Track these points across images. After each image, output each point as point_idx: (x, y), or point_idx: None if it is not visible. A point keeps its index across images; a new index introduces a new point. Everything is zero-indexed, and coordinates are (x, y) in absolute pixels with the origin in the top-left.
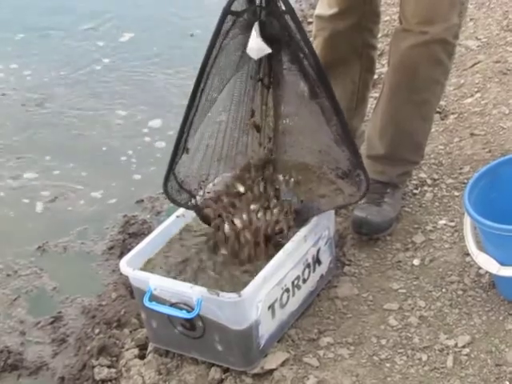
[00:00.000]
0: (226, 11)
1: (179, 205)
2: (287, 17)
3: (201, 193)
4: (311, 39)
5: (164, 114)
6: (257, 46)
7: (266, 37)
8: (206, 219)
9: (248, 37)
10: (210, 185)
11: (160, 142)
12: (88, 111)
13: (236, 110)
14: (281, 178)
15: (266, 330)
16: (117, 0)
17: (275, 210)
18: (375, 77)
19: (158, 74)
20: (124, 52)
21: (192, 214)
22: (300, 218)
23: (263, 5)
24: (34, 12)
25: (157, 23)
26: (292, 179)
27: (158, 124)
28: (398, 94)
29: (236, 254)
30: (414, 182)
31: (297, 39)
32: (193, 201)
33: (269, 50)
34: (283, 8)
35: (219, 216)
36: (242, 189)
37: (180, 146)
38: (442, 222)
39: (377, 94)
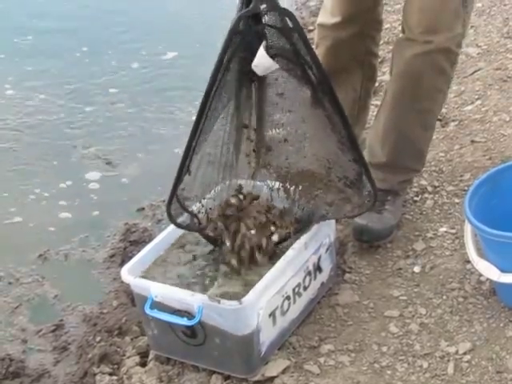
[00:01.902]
0: (234, 31)
1: (182, 227)
2: (295, 35)
3: (202, 210)
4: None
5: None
6: (265, 64)
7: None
8: (209, 239)
9: (247, 56)
10: (210, 199)
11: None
12: None
13: (232, 121)
14: (280, 185)
15: (267, 337)
16: None
17: (275, 221)
18: (376, 84)
19: None
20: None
21: None
22: (301, 225)
23: (270, 23)
24: None
25: None
26: (293, 187)
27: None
28: (401, 102)
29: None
30: (415, 189)
31: (303, 54)
32: (195, 221)
33: (276, 66)
34: (290, 26)
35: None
36: (234, 201)
37: (184, 169)
38: (443, 229)
39: (378, 102)
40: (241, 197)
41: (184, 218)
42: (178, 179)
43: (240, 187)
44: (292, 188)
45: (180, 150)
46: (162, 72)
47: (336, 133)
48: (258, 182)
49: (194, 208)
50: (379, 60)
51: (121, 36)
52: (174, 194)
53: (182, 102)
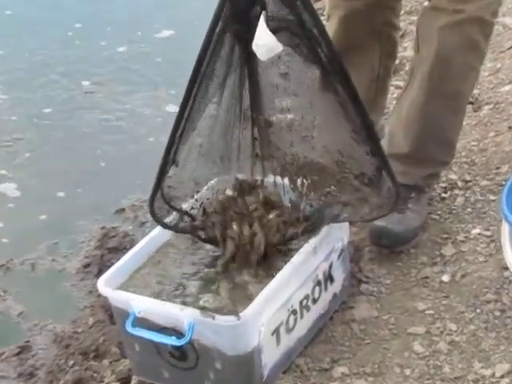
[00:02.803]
0: None
1: (170, 228)
2: (299, 3)
3: (196, 206)
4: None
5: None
6: (267, 43)
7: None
8: (204, 240)
9: (243, 29)
10: (204, 194)
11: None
12: None
13: (228, 109)
14: (286, 179)
15: (270, 358)
16: None
17: (279, 217)
18: (396, 62)
19: None
20: None
21: None
22: (310, 224)
23: None
24: None
25: None
26: (300, 179)
27: None
28: (427, 83)
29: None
30: (443, 184)
31: (310, 27)
32: (185, 220)
33: (280, 48)
34: None
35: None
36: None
37: (169, 160)
38: (476, 230)
39: (398, 83)
40: (237, 192)
41: (172, 218)
42: (163, 171)
43: (238, 181)
44: (299, 180)
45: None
46: (154, 52)
47: (349, 121)
48: (259, 177)
49: (184, 206)
50: (400, 33)
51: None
52: (159, 189)
53: (171, 86)
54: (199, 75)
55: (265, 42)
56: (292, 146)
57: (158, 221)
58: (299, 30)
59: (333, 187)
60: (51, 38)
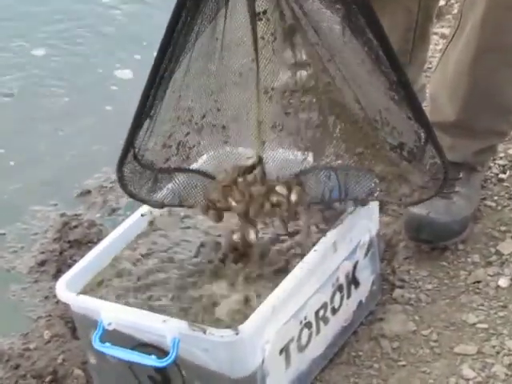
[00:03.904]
0: None
1: (141, 199)
2: None
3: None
4: None
5: None
6: None
7: None
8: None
9: None
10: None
11: None
12: None
13: (229, 57)
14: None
15: (278, 383)
16: None
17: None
18: (441, 2)
19: None
20: None
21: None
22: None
23: None
24: None
25: None
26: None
27: None
28: (480, 32)
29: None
30: (501, 161)
31: None
32: (169, 186)
33: None
34: None
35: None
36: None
37: (144, 112)
38: None
39: (443, 30)
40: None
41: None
42: (136, 126)
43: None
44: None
45: None
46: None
47: (380, 77)
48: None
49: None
50: None
51: None
52: (130, 147)
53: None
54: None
55: None
56: (308, 113)
57: (126, 190)
58: None
59: (366, 149)
60: None
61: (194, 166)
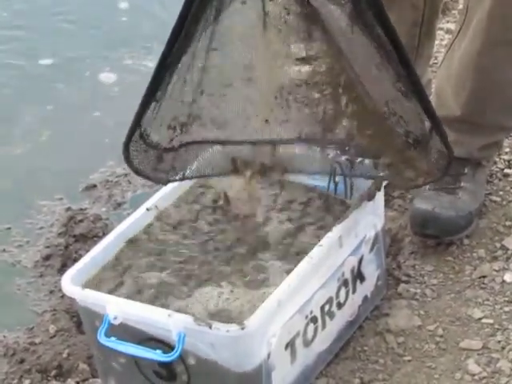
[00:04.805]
0: None
1: (147, 175)
2: None
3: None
4: None
5: None
6: None
7: None
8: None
9: None
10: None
11: None
12: None
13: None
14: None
15: (283, 378)
16: None
17: None
18: None
19: None
20: None
21: (170, 198)
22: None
23: None
24: None
25: None
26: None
27: None
28: (486, 27)
29: None
30: (506, 156)
31: None
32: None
33: None
34: None
35: None
36: None
37: (151, 95)
38: None
39: (448, 25)
40: None
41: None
42: (144, 107)
43: None
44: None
45: None
46: None
47: (388, 70)
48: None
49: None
50: None
51: None
52: (137, 126)
53: None
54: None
55: None
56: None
57: (133, 165)
58: None
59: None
60: None
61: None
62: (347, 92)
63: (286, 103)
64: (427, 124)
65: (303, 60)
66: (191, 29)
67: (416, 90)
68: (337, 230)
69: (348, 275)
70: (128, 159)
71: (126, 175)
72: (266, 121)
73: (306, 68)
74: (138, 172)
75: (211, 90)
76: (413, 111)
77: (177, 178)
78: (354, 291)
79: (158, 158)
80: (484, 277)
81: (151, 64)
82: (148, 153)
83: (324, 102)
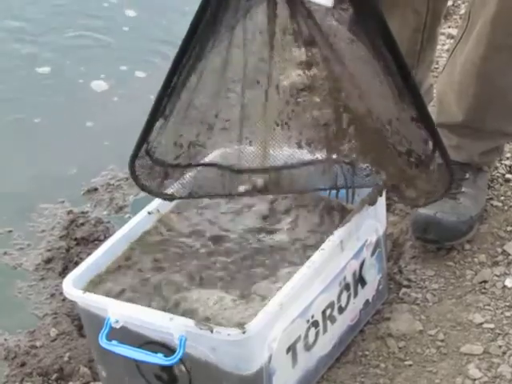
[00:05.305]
0: None
1: (152, 191)
2: None
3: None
4: None
5: None
6: None
7: None
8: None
9: None
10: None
11: None
12: None
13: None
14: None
15: (284, 382)
16: None
17: None
18: (449, 3)
19: None
20: None
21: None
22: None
23: None
24: None
25: None
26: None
27: None
28: (490, 32)
29: None
30: (507, 162)
31: None
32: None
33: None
34: None
35: None
36: None
37: (159, 111)
38: None
39: (450, 30)
40: None
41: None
42: (151, 123)
43: None
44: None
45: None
46: None
47: (388, 81)
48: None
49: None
50: None
51: None
52: (144, 142)
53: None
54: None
55: None
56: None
57: (138, 181)
58: None
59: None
60: None
61: (204, 160)
62: (350, 111)
63: (290, 125)
64: (430, 143)
65: (306, 85)
66: (201, 47)
67: (418, 108)
68: (338, 235)
69: (349, 279)
70: (134, 175)
71: (127, 179)
72: (271, 143)
73: (307, 88)
74: (143, 188)
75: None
76: (415, 130)
77: (182, 195)
78: (355, 295)
79: (164, 175)
80: (485, 282)
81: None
82: (153, 169)
83: (326, 120)
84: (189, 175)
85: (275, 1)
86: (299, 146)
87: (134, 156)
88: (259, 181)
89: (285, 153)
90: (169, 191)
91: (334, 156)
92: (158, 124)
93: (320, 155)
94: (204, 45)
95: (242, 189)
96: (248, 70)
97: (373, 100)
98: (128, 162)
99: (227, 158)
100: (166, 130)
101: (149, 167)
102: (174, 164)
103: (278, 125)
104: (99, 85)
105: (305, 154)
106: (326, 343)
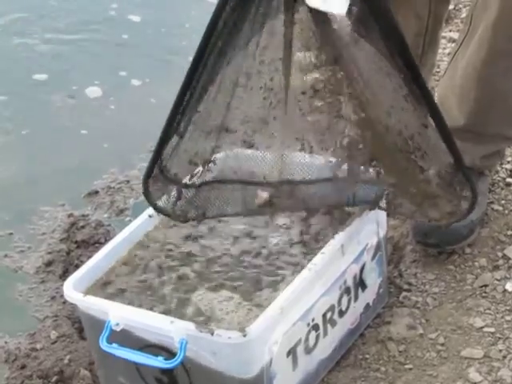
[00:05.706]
0: None
1: (166, 212)
2: None
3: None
4: None
5: None
6: None
7: None
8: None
9: None
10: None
11: None
12: None
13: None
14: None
15: None
16: None
17: None
18: (450, 7)
19: None
20: None
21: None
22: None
23: None
24: None
25: None
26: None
27: None
28: (492, 36)
29: None
30: (508, 166)
31: None
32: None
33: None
34: None
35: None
36: None
37: (172, 128)
38: None
39: (451, 34)
40: None
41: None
42: (164, 140)
43: None
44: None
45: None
46: None
47: (414, 106)
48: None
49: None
50: None
51: None
52: (157, 160)
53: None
54: (215, 32)
55: None
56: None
57: (151, 200)
58: None
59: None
60: None
61: (216, 174)
62: (372, 127)
63: (310, 140)
64: (452, 162)
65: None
66: (217, 62)
67: (440, 126)
68: (339, 238)
69: (350, 283)
70: (147, 193)
71: (128, 182)
72: (288, 158)
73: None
74: (156, 208)
75: (235, 127)
76: (437, 148)
77: (197, 216)
78: (355, 299)
79: (178, 194)
80: (485, 286)
81: None
82: (167, 188)
83: (347, 136)
84: (203, 195)
85: (293, 11)
86: (318, 161)
87: (148, 175)
88: (276, 200)
89: (303, 168)
90: (182, 211)
91: (355, 174)
92: (171, 141)
93: (340, 173)
94: (218, 61)
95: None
96: (265, 84)
97: (396, 114)
98: (142, 180)
99: (242, 173)
100: (180, 148)
101: (162, 186)
102: (188, 184)
103: (297, 139)
104: (93, 91)
105: (324, 171)
106: (326, 346)
